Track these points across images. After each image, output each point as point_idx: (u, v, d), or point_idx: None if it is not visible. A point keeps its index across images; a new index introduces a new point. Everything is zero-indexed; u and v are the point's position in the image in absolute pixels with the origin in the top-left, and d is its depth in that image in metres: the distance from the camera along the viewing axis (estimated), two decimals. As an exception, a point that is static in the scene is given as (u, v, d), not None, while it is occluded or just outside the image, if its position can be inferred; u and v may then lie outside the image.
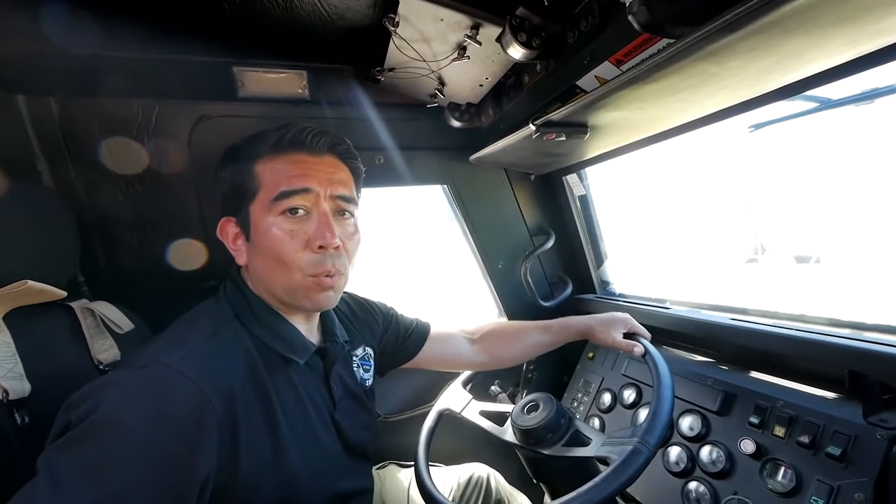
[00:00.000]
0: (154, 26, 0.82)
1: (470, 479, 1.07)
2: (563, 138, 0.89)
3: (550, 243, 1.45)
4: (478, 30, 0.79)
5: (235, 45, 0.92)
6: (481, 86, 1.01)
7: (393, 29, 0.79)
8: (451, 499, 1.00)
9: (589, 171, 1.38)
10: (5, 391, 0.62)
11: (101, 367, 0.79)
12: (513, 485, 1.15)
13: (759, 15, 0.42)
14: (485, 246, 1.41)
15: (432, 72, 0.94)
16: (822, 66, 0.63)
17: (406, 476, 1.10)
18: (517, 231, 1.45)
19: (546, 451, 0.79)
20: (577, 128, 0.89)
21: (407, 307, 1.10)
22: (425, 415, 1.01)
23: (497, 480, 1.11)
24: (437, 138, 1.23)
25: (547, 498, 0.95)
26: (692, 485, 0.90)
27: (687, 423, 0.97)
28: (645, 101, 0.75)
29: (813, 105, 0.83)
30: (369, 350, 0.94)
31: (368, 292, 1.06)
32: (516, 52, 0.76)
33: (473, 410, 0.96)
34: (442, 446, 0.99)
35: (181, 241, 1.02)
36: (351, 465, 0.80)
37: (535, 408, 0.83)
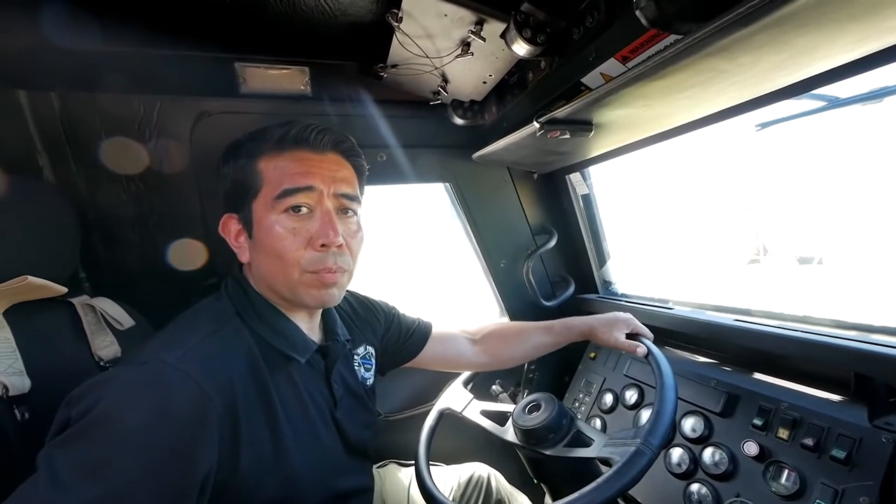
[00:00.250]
0: (156, 22, 0.81)
1: (470, 478, 1.07)
2: (568, 136, 0.88)
3: (553, 242, 1.44)
4: (482, 26, 0.78)
5: (237, 41, 0.92)
6: (485, 83, 1.00)
7: (396, 25, 0.78)
8: (451, 498, 1.00)
9: (592, 170, 1.37)
10: (5, 387, 0.62)
11: (101, 363, 0.79)
12: (513, 485, 1.14)
13: (771, 9, 0.41)
14: (487, 245, 1.40)
15: (435, 68, 0.93)
16: (832, 64, 0.62)
17: (406, 475, 1.10)
18: (519, 230, 1.45)
19: (547, 452, 0.78)
20: (582, 125, 0.88)
21: (409, 306, 1.10)
22: (426, 414, 1.01)
23: (497, 480, 1.11)
24: (440, 136, 1.22)
25: (548, 498, 0.94)
26: (694, 487, 0.89)
27: (689, 425, 0.96)
28: (651, 99, 0.74)
29: (820, 104, 0.82)
30: (371, 349, 0.94)
31: (370, 291, 1.06)
32: (521, 48, 0.75)
33: (474, 410, 0.96)
34: (442, 446, 0.99)
35: (182, 238, 1.02)
36: (351, 464, 0.79)
37: (536, 408, 0.82)
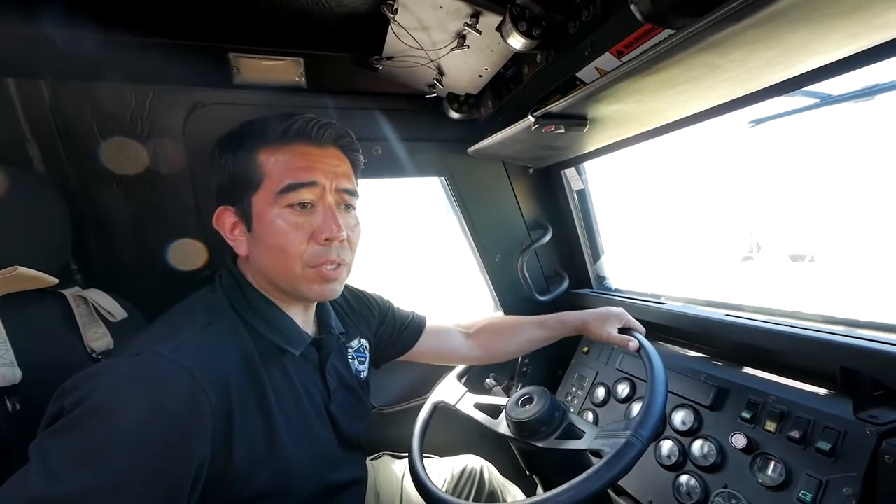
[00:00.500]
0: (149, 11, 0.80)
1: (463, 470, 1.08)
2: (562, 131, 0.88)
3: (548, 237, 1.45)
4: (478, 18, 0.78)
5: (231, 31, 0.91)
6: (480, 76, 1.00)
7: (392, 16, 0.78)
8: (444, 490, 1.01)
9: (587, 166, 1.37)
10: (-5, 378, 0.61)
11: (93, 355, 0.78)
12: (506, 477, 1.16)
13: (762, 5, 0.41)
14: (482, 239, 1.40)
15: (431, 61, 0.93)
16: (824, 60, 0.62)
17: (400, 467, 1.11)
18: (514, 225, 1.45)
19: (540, 444, 0.79)
20: (577, 120, 0.88)
21: (403, 300, 1.10)
22: (420, 407, 1.01)
23: (490, 472, 1.12)
24: (436, 129, 1.22)
25: (540, 490, 0.96)
26: (683, 478, 0.91)
27: (679, 418, 0.98)
28: (645, 94, 0.74)
29: (813, 101, 0.83)
30: (364, 342, 0.94)
31: (365, 285, 1.06)
32: (516, 41, 0.75)
33: (468, 403, 0.97)
34: (436, 438, 1.00)
35: (175, 229, 1.01)
36: (345, 457, 0.80)
37: (529, 401, 0.83)
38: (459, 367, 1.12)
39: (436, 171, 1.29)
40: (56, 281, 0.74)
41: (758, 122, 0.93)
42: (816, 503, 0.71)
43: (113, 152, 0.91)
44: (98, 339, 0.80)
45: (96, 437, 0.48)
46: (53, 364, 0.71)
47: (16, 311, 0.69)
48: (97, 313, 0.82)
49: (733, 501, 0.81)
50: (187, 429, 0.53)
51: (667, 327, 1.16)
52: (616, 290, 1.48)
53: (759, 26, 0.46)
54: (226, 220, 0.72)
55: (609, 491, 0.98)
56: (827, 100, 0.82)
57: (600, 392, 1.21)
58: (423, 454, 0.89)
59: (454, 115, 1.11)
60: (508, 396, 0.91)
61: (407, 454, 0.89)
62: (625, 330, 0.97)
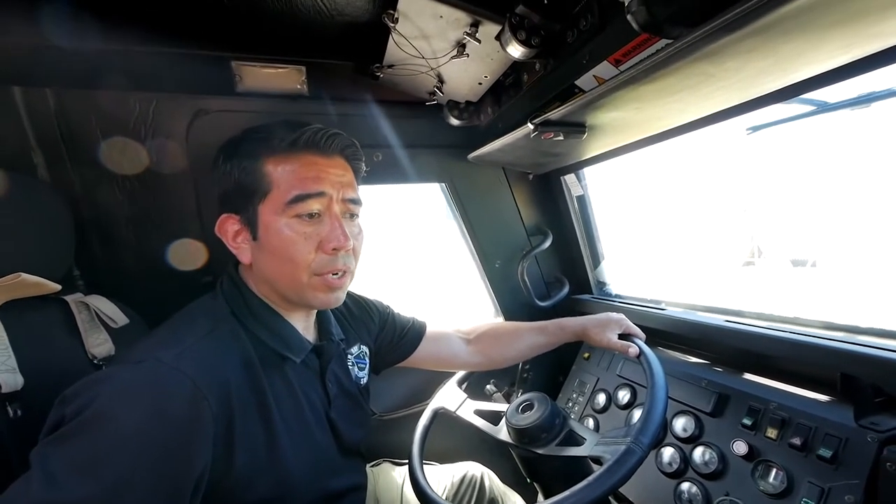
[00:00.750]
0: (152, 19, 0.81)
1: (464, 477, 1.08)
2: (561, 138, 0.89)
3: (548, 243, 1.45)
4: (477, 27, 0.79)
5: (234, 39, 0.92)
6: (480, 84, 1.01)
7: (392, 25, 0.79)
8: (444, 497, 1.00)
9: (587, 172, 1.38)
10: (-3, 384, 0.62)
11: (95, 361, 0.79)
12: (506, 484, 1.15)
13: (757, 16, 0.42)
14: (482, 245, 1.41)
15: (431, 69, 0.94)
16: (818, 69, 0.63)
17: (400, 474, 1.10)
18: (515, 230, 1.46)
19: (540, 451, 0.79)
20: (575, 127, 0.89)
21: (404, 306, 1.10)
22: (420, 413, 1.01)
23: (491, 479, 1.11)
24: (436, 136, 1.23)
25: (540, 497, 0.95)
26: (685, 485, 0.90)
27: (680, 424, 0.97)
28: (643, 102, 0.75)
29: (810, 108, 0.84)
30: (364, 348, 0.94)
31: (366, 290, 1.06)
32: (515, 50, 0.76)
33: (468, 409, 0.97)
34: (436, 445, 0.99)
35: (178, 236, 1.01)
36: (345, 463, 0.80)
37: (529, 407, 0.83)
38: (460, 374, 1.12)
39: (436, 177, 1.30)
40: (59, 287, 0.75)
41: (755, 129, 0.94)
42: None
43: (116, 159, 0.92)
44: (99, 345, 0.80)
45: (98, 445, 0.48)
46: (55, 370, 0.71)
47: (18, 317, 0.69)
48: (99, 319, 0.82)
49: (735, 509, 0.81)
50: (189, 436, 0.54)
51: (667, 333, 1.16)
52: (616, 296, 1.48)
53: (754, 36, 0.46)
54: (229, 228, 0.72)
55: (610, 498, 0.97)
56: (824, 107, 0.83)
57: (601, 398, 1.21)
58: (424, 461, 0.88)
59: (454, 121, 1.12)
60: (509, 403, 0.91)
61: (407, 461, 0.89)
62: (625, 336, 0.96)
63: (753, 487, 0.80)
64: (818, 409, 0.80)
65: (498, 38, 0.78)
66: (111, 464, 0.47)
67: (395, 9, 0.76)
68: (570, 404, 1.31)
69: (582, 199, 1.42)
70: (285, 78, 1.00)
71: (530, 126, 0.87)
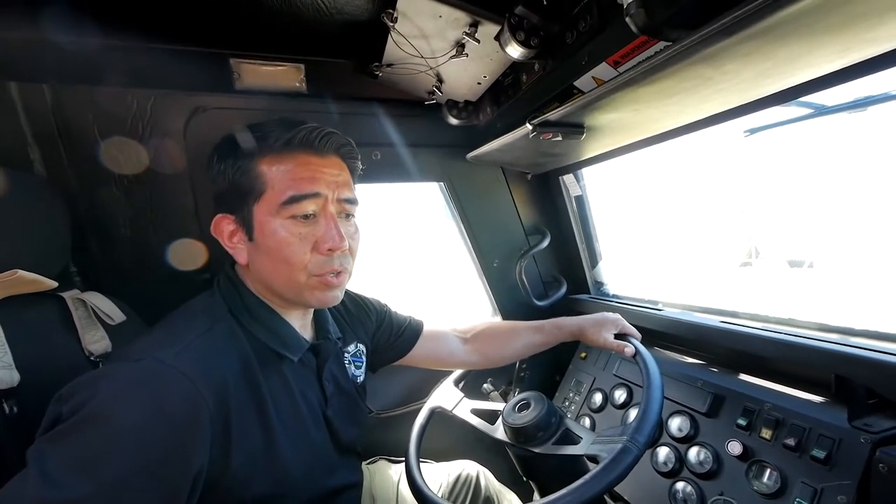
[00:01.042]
0: (151, 15, 0.81)
1: (459, 476, 1.08)
2: (560, 138, 0.89)
3: (546, 243, 1.46)
4: (476, 27, 0.79)
5: (233, 37, 0.91)
6: (479, 84, 1.01)
7: (391, 24, 0.79)
8: (440, 495, 1.01)
9: (585, 172, 1.38)
10: (-7, 381, 0.61)
11: (92, 358, 0.78)
12: (502, 482, 1.15)
13: (754, 20, 0.42)
14: (480, 244, 1.41)
15: (430, 68, 0.94)
16: (815, 73, 0.63)
17: (396, 471, 1.11)
18: (513, 230, 1.46)
19: (536, 449, 0.79)
20: (574, 128, 0.89)
21: (401, 305, 1.11)
22: (417, 411, 1.01)
23: (486, 478, 1.12)
24: (435, 135, 1.23)
25: (536, 495, 0.96)
26: (679, 485, 0.91)
27: (676, 424, 0.98)
28: (641, 103, 0.75)
29: (807, 111, 0.84)
30: (361, 346, 0.94)
31: (363, 289, 1.06)
32: (514, 50, 0.76)
33: (465, 408, 0.97)
34: (432, 443, 1.00)
35: (175, 233, 1.01)
36: (341, 461, 0.80)
37: (526, 406, 0.84)
38: (457, 372, 1.13)
39: (435, 176, 1.30)
40: (56, 284, 0.74)
41: (753, 131, 0.94)
42: None
43: (114, 156, 0.92)
44: (96, 341, 0.80)
45: (95, 443, 0.48)
46: (51, 367, 0.71)
47: (14, 313, 0.69)
48: (96, 316, 0.82)
49: (729, 509, 0.82)
50: (186, 434, 0.54)
51: (663, 333, 1.17)
52: (614, 296, 1.49)
53: (752, 40, 0.47)
54: (224, 228, 0.72)
55: (605, 497, 0.98)
56: (821, 110, 0.83)
57: (597, 398, 1.21)
58: (420, 459, 0.89)
59: (453, 121, 1.12)
60: (506, 402, 0.91)
61: (403, 458, 0.89)
62: (621, 336, 0.97)
63: (747, 487, 0.81)
64: (812, 410, 0.81)
65: (497, 38, 0.78)
66: (108, 463, 0.47)
67: (394, 8, 0.76)
68: (567, 403, 1.31)
69: (580, 200, 1.43)
70: (284, 76, 1.00)
71: (529, 126, 0.87)
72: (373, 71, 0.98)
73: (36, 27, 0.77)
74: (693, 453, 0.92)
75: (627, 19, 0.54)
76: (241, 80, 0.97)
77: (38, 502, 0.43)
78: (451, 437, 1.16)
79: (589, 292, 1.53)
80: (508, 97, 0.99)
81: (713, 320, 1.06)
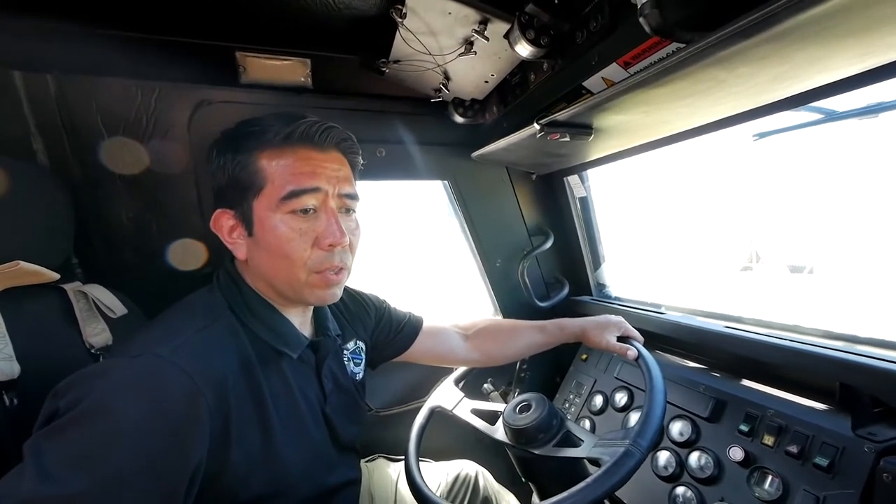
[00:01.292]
0: (157, 7, 0.80)
1: (458, 475, 1.08)
2: (567, 139, 0.88)
3: (549, 244, 1.45)
4: (486, 25, 0.78)
5: (239, 30, 0.91)
6: (486, 82, 1.00)
7: (400, 20, 0.78)
8: (438, 495, 1.00)
9: (590, 174, 1.37)
10: (-6, 372, 0.61)
11: (92, 350, 0.78)
12: (501, 483, 1.15)
13: (774, 22, 0.41)
14: (483, 244, 1.40)
15: (438, 66, 0.93)
16: (832, 77, 0.62)
17: (395, 470, 1.10)
18: (516, 230, 1.45)
19: (537, 451, 0.79)
20: (582, 129, 0.89)
21: (400, 301, 1.10)
22: (417, 410, 1.01)
23: (485, 478, 1.11)
24: (440, 133, 1.22)
25: (535, 497, 0.95)
26: (679, 490, 0.91)
27: (677, 429, 0.98)
28: (651, 105, 0.74)
29: (818, 116, 0.83)
30: (361, 343, 0.94)
31: (363, 285, 1.05)
32: (524, 49, 0.75)
33: (465, 408, 0.96)
34: (431, 442, 0.99)
35: (177, 226, 1.01)
36: (339, 459, 0.80)
37: (527, 407, 0.83)
38: (457, 372, 1.12)
39: (439, 174, 1.29)
40: (57, 276, 0.74)
41: (762, 135, 0.94)
42: None
43: (117, 147, 0.91)
44: (97, 334, 0.79)
45: (93, 439, 0.47)
46: (52, 359, 0.71)
47: (15, 305, 0.68)
48: (97, 309, 0.81)
49: (729, 515, 0.81)
50: (185, 431, 0.53)
51: (666, 337, 1.16)
52: (616, 299, 1.48)
53: (769, 43, 0.46)
54: (224, 223, 0.71)
55: (605, 501, 0.98)
56: (832, 115, 0.83)
57: (598, 400, 1.21)
58: (419, 458, 0.88)
59: (459, 119, 1.12)
60: (506, 402, 0.91)
61: (402, 457, 0.89)
62: (623, 338, 0.97)
63: (749, 494, 0.81)
64: (816, 418, 0.80)
65: (506, 36, 0.77)
66: (106, 458, 0.46)
67: (403, 4, 0.76)
68: (567, 405, 1.31)
69: (584, 201, 1.42)
70: (290, 70, 0.99)
71: (536, 126, 0.87)
72: (379, 67, 0.97)
73: (41, 17, 0.77)
74: (694, 458, 0.92)
75: (641, 20, 0.53)
76: (247, 73, 0.96)
77: (33, 498, 0.42)
78: (449, 437, 1.16)
79: (591, 294, 1.53)
80: (515, 96, 0.98)
81: (716, 325, 1.05)
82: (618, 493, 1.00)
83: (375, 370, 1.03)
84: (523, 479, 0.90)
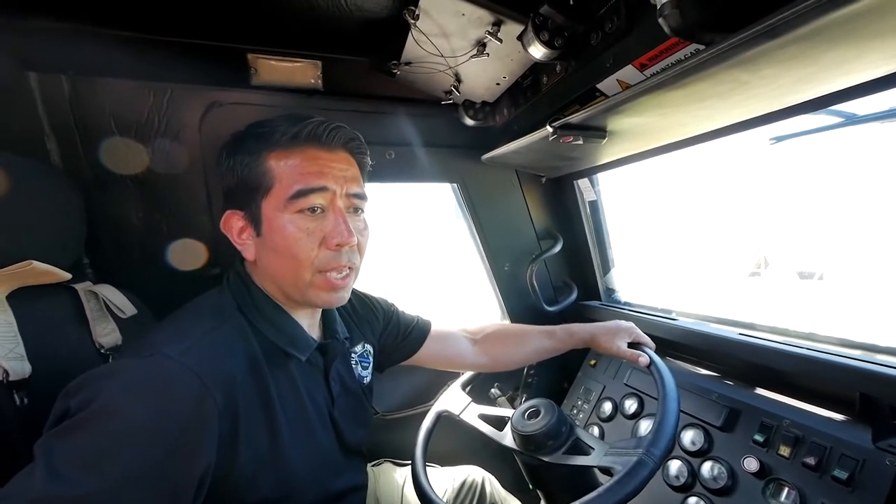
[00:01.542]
0: (169, 9, 0.81)
1: (465, 481, 1.07)
2: (581, 142, 0.87)
3: (558, 248, 1.44)
4: (499, 27, 0.77)
5: (250, 32, 0.91)
6: (498, 84, 1.00)
7: (413, 22, 0.78)
8: (445, 500, 0.99)
9: (600, 177, 1.36)
10: (5, 372, 0.61)
11: (102, 350, 0.78)
12: (507, 489, 1.14)
13: (803, 22, 0.40)
14: (491, 247, 1.39)
15: (449, 68, 0.93)
16: (856, 80, 0.61)
17: (401, 474, 1.09)
18: (525, 234, 1.44)
19: (546, 458, 0.78)
20: (595, 132, 0.87)
21: (409, 305, 1.09)
22: (423, 414, 1.00)
23: (492, 484, 1.10)
24: (450, 136, 1.21)
25: (543, 505, 0.94)
26: (692, 500, 0.89)
27: (689, 437, 0.96)
28: (668, 108, 0.73)
29: (838, 120, 0.81)
30: (368, 347, 0.93)
31: (371, 288, 1.05)
32: (537, 51, 0.75)
33: (472, 413, 0.95)
34: (438, 447, 0.98)
35: (187, 227, 1.01)
36: (346, 463, 0.79)
37: (535, 414, 0.82)
38: (464, 376, 1.11)
39: (448, 177, 1.28)
40: (69, 276, 0.74)
41: (780, 139, 0.92)
42: None
43: (129, 148, 0.91)
44: (107, 334, 0.79)
45: (103, 439, 0.47)
46: (62, 359, 0.71)
47: (27, 304, 0.69)
48: (107, 309, 0.82)
49: (744, 527, 0.79)
50: (193, 432, 0.53)
51: (677, 343, 1.14)
52: (626, 304, 1.47)
53: (797, 43, 0.44)
54: (234, 225, 0.71)
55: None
56: (852, 119, 0.81)
57: (607, 407, 1.19)
58: (426, 463, 0.87)
59: (469, 121, 1.11)
60: (513, 407, 0.90)
61: (409, 462, 0.88)
62: (634, 345, 0.95)
63: None
64: (834, 429, 0.78)
65: (520, 38, 0.77)
66: (115, 459, 0.46)
67: (416, 5, 0.75)
68: (575, 412, 1.29)
69: (594, 205, 1.40)
70: (300, 72, 0.99)
71: (549, 129, 0.86)
72: (390, 69, 0.97)
73: (56, 19, 0.77)
74: (707, 468, 0.90)
75: (661, 20, 0.52)
76: (258, 75, 0.96)
77: (44, 497, 0.42)
78: (456, 442, 1.15)
79: (600, 299, 1.51)
80: (527, 99, 0.97)
81: (730, 331, 1.03)
82: None
83: (382, 374, 1.03)
84: (531, 487, 0.89)
